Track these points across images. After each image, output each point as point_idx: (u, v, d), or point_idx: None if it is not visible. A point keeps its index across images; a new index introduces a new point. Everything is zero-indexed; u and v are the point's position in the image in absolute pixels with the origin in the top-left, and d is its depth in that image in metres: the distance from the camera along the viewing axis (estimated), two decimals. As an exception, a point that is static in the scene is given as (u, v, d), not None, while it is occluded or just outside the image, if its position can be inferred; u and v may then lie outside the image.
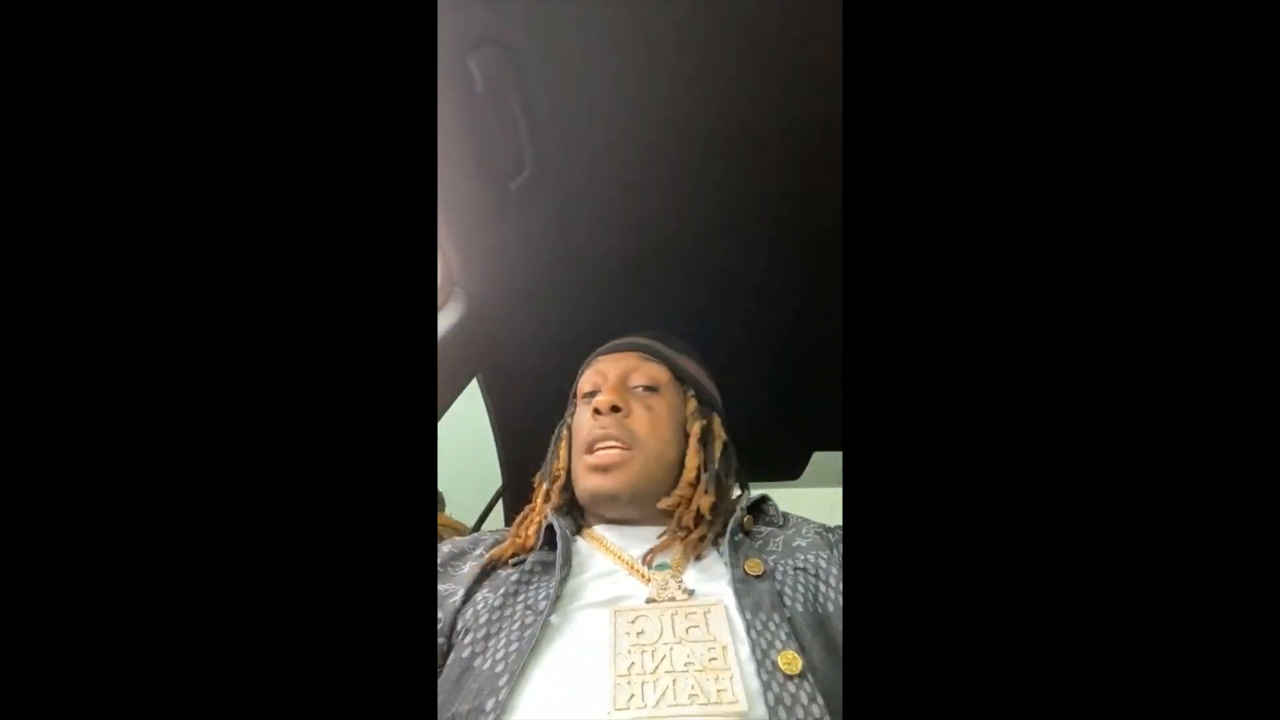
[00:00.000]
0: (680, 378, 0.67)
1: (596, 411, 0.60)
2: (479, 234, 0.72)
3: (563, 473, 0.64)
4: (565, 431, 0.67)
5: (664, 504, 0.57)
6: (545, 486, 0.64)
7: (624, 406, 0.61)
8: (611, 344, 0.70)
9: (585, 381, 0.67)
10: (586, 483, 0.60)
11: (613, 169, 0.66)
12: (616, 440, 0.59)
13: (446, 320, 0.78)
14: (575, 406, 0.68)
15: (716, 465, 0.61)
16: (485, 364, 0.89)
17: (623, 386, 0.63)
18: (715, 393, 0.70)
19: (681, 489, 0.58)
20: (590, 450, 0.60)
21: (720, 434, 0.65)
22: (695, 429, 0.63)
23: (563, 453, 0.65)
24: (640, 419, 0.61)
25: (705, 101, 0.58)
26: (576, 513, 0.64)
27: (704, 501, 0.57)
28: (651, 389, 0.64)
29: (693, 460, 0.61)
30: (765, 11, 0.51)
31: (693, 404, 0.66)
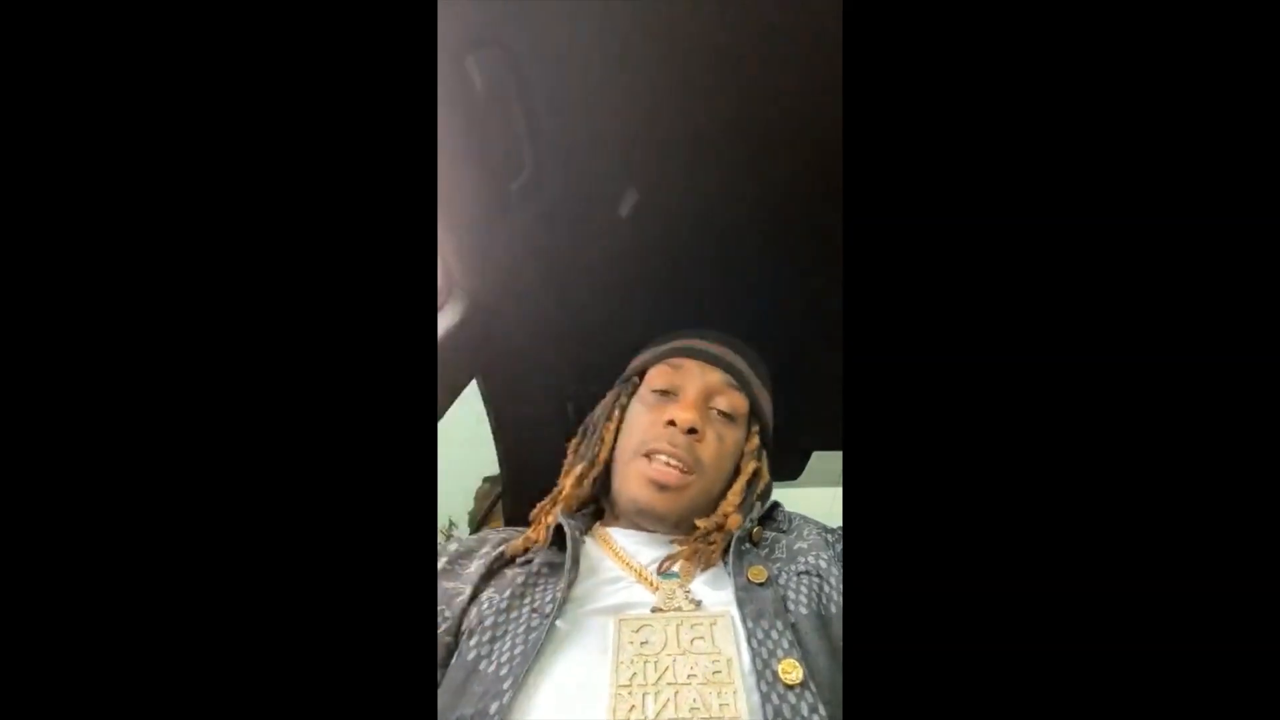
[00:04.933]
0: (754, 412, 0.64)
1: (671, 423, 0.58)
2: (478, 235, 0.72)
3: (602, 462, 0.62)
4: (618, 414, 0.63)
5: (702, 524, 0.55)
6: (580, 469, 0.61)
7: (701, 431, 0.58)
8: (699, 343, 0.65)
9: (659, 375, 0.63)
10: (636, 491, 0.57)
11: (612, 170, 0.66)
12: (682, 463, 0.57)
13: (446, 321, 0.78)
14: (633, 391, 0.65)
15: (754, 504, 0.60)
16: (485, 365, 0.89)
17: (704, 406, 0.60)
18: (771, 424, 0.68)
19: (718, 517, 0.57)
20: (649, 457, 0.58)
21: (765, 475, 0.63)
22: (748, 469, 0.61)
23: (608, 436, 0.62)
24: (710, 447, 0.59)
25: (705, 102, 0.58)
26: (598, 504, 0.63)
27: (733, 522, 0.56)
28: (729, 418, 0.61)
29: (736, 498, 0.59)
30: (766, 12, 0.51)
31: (755, 442, 0.63)
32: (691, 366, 0.63)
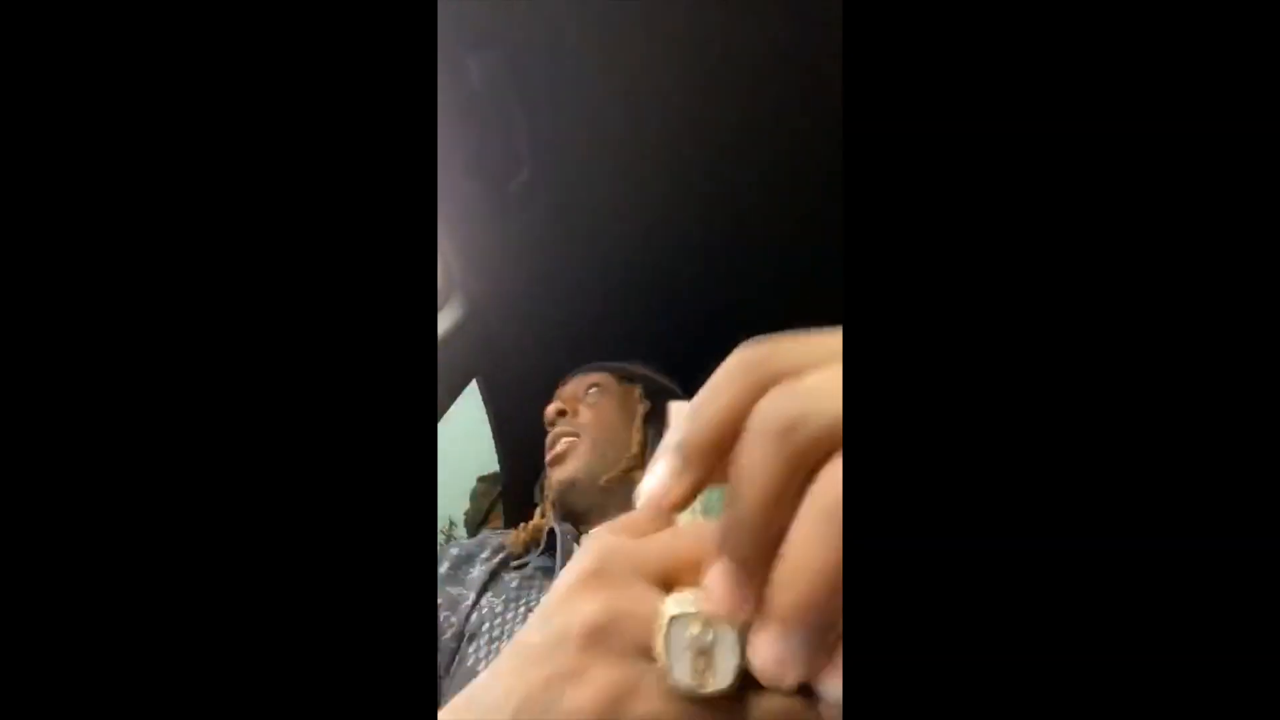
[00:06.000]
0: (627, 377, 0.72)
1: (550, 424, 0.67)
2: (477, 235, 0.72)
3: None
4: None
5: (604, 480, 0.61)
6: (541, 507, 0.68)
7: (570, 409, 0.67)
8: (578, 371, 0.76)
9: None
10: (551, 481, 0.64)
11: (611, 170, 0.66)
12: (565, 435, 0.64)
13: (445, 321, 0.78)
14: None
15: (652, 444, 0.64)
16: (484, 365, 0.89)
17: (573, 396, 0.69)
18: (672, 385, 0.74)
19: (623, 463, 0.62)
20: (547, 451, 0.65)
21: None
22: (639, 410, 0.68)
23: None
24: (585, 415, 0.67)
25: (704, 102, 0.58)
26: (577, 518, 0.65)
27: (637, 474, 0.59)
28: (597, 387, 0.70)
29: (635, 436, 0.65)
30: (765, 11, 0.51)
31: (637, 391, 0.70)
32: (568, 385, 0.73)
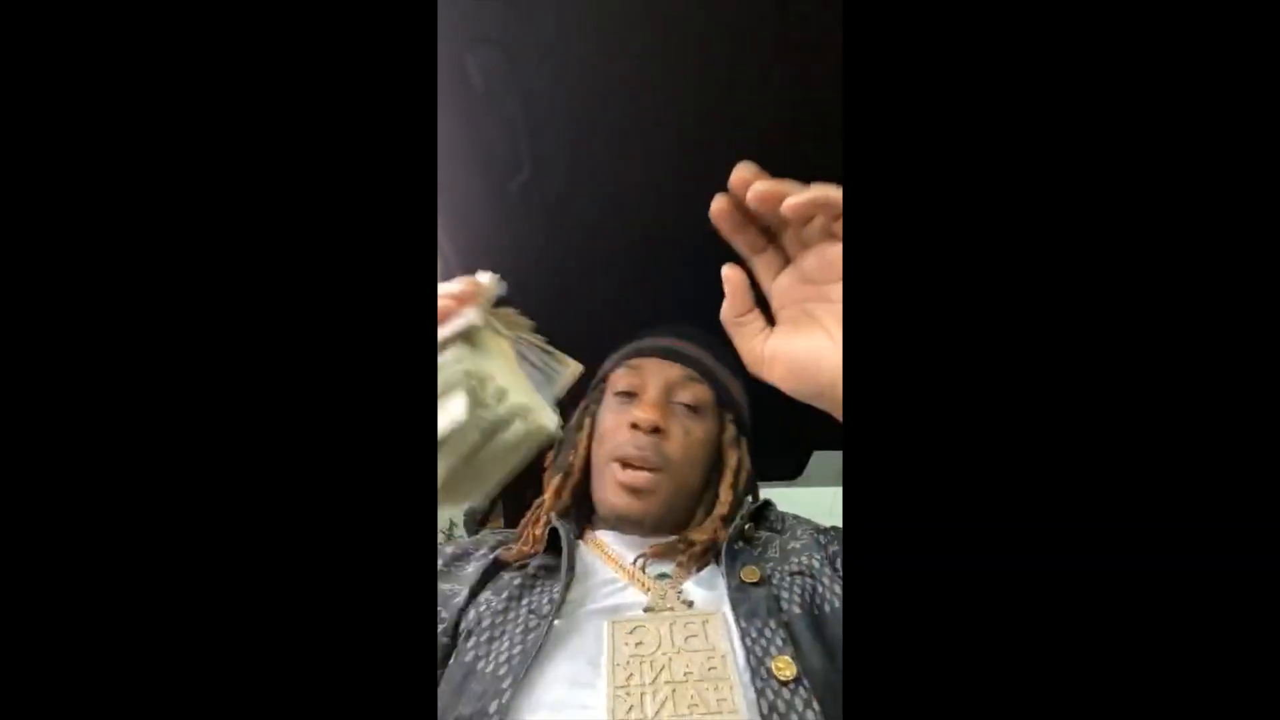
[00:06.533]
0: (722, 401, 0.63)
1: (635, 426, 0.57)
2: (477, 234, 0.72)
3: (578, 470, 0.61)
4: (589, 422, 0.64)
5: (697, 536, 0.54)
6: (556, 480, 0.61)
7: (665, 428, 0.57)
8: (657, 343, 0.65)
9: (621, 378, 0.62)
10: (613, 499, 0.57)
11: (611, 169, 0.66)
12: (648, 464, 0.56)
13: (445, 321, 0.78)
14: (603, 396, 0.64)
15: (744, 501, 0.60)
16: (484, 365, 0.89)
17: (665, 402, 0.59)
18: (747, 410, 0.67)
19: (714, 521, 0.55)
20: (621, 464, 0.57)
21: (747, 464, 0.62)
22: (733, 460, 0.60)
23: (581, 445, 0.62)
24: (677, 442, 0.58)
25: (705, 102, 0.58)
26: (582, 510, 0.63)
27: (723, 534, 0.55)
28: (693, 410, 0.60)
29: (728, 495, 0.58)
30: (766, 11, 0.51)
31: (731, 430, 0.62)
32: (649, 365, 0.62)
